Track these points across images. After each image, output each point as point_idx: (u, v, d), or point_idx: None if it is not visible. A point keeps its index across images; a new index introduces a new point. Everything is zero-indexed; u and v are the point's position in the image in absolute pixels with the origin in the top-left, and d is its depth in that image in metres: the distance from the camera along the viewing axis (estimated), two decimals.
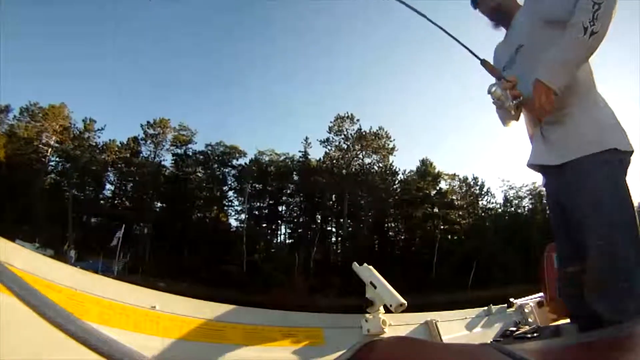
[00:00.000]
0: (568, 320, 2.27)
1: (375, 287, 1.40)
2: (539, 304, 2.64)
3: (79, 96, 54.40)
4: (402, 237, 35.65)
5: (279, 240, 36.75)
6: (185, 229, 31.54)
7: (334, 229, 36.93)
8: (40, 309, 0.37)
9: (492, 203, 37.80)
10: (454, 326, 1.86)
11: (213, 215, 34.83)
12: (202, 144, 35.89)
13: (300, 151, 37.11)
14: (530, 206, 36.37)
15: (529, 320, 2.45)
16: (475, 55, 1.45)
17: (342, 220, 35.14)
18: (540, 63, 1.27)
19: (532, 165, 1.47)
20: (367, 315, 1.39)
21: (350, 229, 35.05)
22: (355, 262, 1.53)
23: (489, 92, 1.35)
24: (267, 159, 36.37)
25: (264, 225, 36.38)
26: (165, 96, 50.97)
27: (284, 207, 37.02)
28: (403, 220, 35.53)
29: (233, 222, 36.18)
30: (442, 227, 33.71)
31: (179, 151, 35.49)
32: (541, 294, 2.63)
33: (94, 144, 33.47)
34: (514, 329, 2.18)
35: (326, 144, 36.17)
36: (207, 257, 28.95)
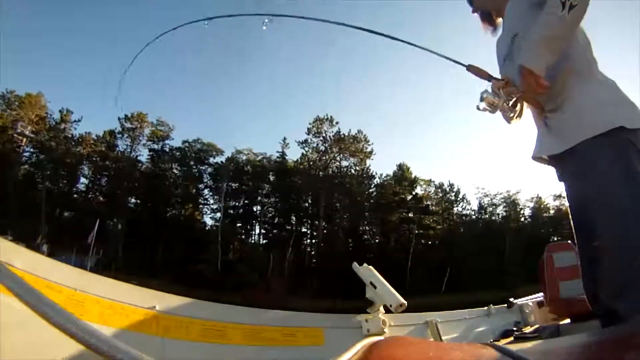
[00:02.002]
0: (568, 320, 2.28)
1: (375, 287, 1.41)
2: (539, 304, 2.64)
3: (56, 86, 53.20)
4: (377, 241, 35.38)
5: (253, 241, 36.38)
6: (160, 226, 30.94)
7: (308, 231, 36.69)
8: (40, 309, 0.37)
9: (467, 209, 38.21)
10: (454, 326, 1.86)
11: (188, 213, 34.29)
12: (179, 140, 35.56)
13: (277, 151, 36.94)
14: (504, 213, 36.84)
15: (529, 320, 2.46)
16: (460, 63, 1.40)
17: (317, 222, 34.83)
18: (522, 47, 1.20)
19: (537, 158, 1.38)
20: (367, 315, 1.40)
21: (325, 231, 34.72)
22: (355, 262, 1.53)
23: (481, 99, 1.29)
24: (244, 158, 36.10)
25: (239, 225, 36.01)
26: (145, 91, 50.37)
27: (258, 207, 36.66)
28: (378, 224, 35.37)
29: (208, 221, 35.79)
30: (417, 232, 33.73)
31: (155, 147, 34.86)
32: (541, 294, 2.63)
33: (69, 135, 32.49)
34: (514, 329, 2.18)
35: (304, 145, 36.06)
36: (182, 256, 28.58)
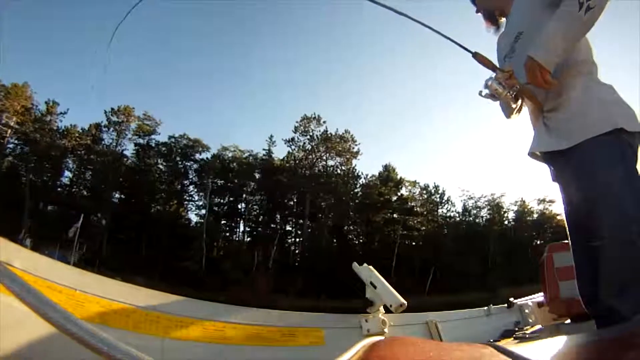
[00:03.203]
0: (568, 320, 2.28)
1: (375, 287, 1.41)
2: (539, 304, 2.64)
3: (42, 76, 51.78)
4: (362, 241, 35.57)
5: (237, 238, 36.23)
6: (144, 221, 30.65)
7: (293, 230, 36.76)
8: (40, 309, 0.37)
9: (452, 212, 38.54)
10: (454, 326, 1.86)
11: (173, 209, 34.01)
12: (165, 135, 35.33)
13: (264, 149, 36.92)
14: (488, 216, 37.23)
15: (529, 320, 2.46)
16: (466, 49, 1.39)
17: (301, 221, 34.92)
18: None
19: (533, 155, 1.37)
20: (367, 315, 1.40)
21: (310, 230, 34.88)
22: (355, 262, 1.53)
23: (486, 86, 1.30)
24: (230, 155, 35.96)
25: (224, 222, 35.90)
26: (133, 85, 49.97)
27: (243, 205, 36.57)
28: (363, 224, 35.48)
29: (193, 217, 35.54)
30: (401, 232, 33.90)
31: (141, 141, 34.56)
32: (541, 294, 2.63)
33: (55, 127, 31.76)
34: (514, 329, 2.19)
35: (291, 143, 36.18)
36: (166, 252, 28.42)
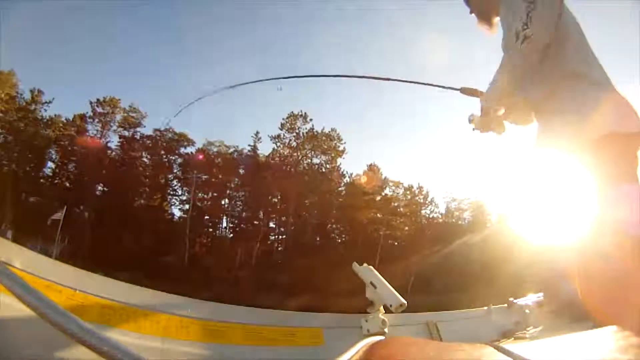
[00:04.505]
0: (569, 321, 2.28)
1: (375, 287, 1.41)
2: (539, 304, 2.64)
3: (28, 65, 51.87)
4: (345, 239, 35.37)
5: (220, 234, 35.85)
6: (127, 215, 30.27)
7: (276, 227, 36.48)
8: (40, 309, 0.37)
9: (435, 212, 38.43)
10: (454, 326, 1.86)
11: (156, 203, 33.76)
12: (150, 128, 34.80)
13: (249, 145, 36.79)
14: (471, 219, 37.27)
15: (529, 320, 2.46)
16: (452, 88, 1.49)
17: (284, 218, 34.91)
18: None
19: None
20: (367, 315, 1.40)
21: (293, 227, 34.64)
22: (355, 262, 1.53)
23: (469, 121, 1.42)
24: (215, 150, 35.71)
25: (207, 217, 35.51)
26: (120, 77, 50.05)
27: (227, 201, 36.18)
28: (347, 223, 35.36)
29: (176, 212, 35.26)
30: (385, 232, 33.80)
31: (126, 133, 34.07)
32: (541, 293, 2.63)
33: (39, 117, 31.22)
34: (514, 329, 2.18)
35: (276, 140, 36.01)
36: (149, 247, 27.90)
